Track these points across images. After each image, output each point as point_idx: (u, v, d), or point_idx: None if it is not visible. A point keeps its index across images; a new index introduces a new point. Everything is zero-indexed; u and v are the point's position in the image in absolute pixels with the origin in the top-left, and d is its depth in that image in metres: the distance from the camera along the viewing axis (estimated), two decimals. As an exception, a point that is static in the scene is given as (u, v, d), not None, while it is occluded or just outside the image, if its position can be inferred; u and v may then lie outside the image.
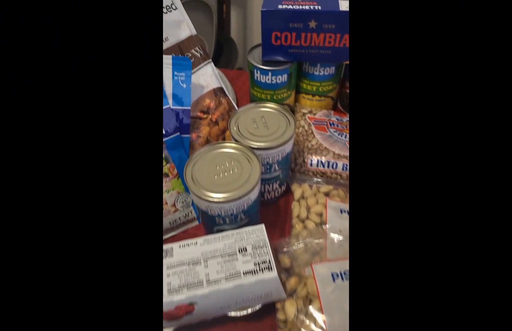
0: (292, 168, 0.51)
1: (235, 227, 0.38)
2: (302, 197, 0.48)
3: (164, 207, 0.42)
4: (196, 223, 0.46)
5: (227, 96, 0.50)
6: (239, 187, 0.35)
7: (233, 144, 0.40)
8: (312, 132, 0.53)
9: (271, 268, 0.32)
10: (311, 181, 0.50)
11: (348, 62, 0.53)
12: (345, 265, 0.37)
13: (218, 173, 0.37)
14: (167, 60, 0.41)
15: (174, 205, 0.43)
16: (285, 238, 0.41)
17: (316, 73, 0.56)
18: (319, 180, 0.50)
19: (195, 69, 0.48)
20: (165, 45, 0.44)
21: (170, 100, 0.42)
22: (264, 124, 0.43)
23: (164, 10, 0.45)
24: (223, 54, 0.80)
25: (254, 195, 0.36)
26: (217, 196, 0.34)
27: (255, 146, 0.40)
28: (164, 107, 0.41)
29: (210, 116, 0.47)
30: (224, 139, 0.48)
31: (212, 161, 0.38)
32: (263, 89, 0.54)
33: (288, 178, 0.49)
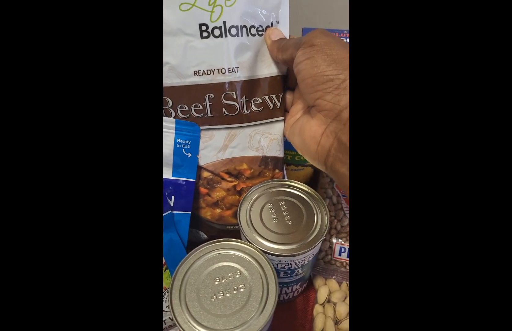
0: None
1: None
2: (328, 300, 0.37)
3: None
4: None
5: (283, 170, 0.38)
6: (246, 321, 0.24)
7: (241, 245, 0.29)
8: (341, 208, 0.42)
9: None
10: (340, 275, 0.39)
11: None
12: None
13: (217, 292, 0.26)
14: (169, 124, 0.31)
15: (158, 307, 0.32)
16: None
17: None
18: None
19: (256, 123, 0.34)
20: (230, 77, 0.31)
21: (170, 171, 0.32)
22: (286, 213, 0.32)
23: (253, 31, 0.31)
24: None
25: (266, 328, 0.26)
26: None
27: (273, 252, 0.29)
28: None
29: (237, 183, 0.36)
30: (235, 212, 0.37)
31: (210, 272, 0.27)
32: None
33: (311, 274, 0.38)
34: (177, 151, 0.32)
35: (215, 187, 0.36)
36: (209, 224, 0.38)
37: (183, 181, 0.33)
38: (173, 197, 0.33)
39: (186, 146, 0.32)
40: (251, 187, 0.35)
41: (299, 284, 0.35)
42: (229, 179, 0.35)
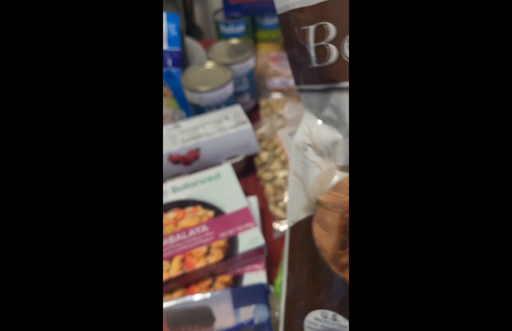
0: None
1: (220, 115, 0.55)
2: (267, 104, 0.66)
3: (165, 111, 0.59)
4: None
5: None
6: (219, 83, 0.52)
7: (214, 64, 0.57)
8: (268, 66, 0.71)
9: (246, 123, 0.49)
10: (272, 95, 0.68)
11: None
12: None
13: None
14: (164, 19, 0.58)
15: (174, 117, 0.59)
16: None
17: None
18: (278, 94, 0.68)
19: None
20: None
21: (166, 44, 0.59)
22: (235, 51, 0.61)
23: None
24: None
25: (229, 89, 0.54)
26: (204, 88, 0.51)
27: (229, 62, 0.57)
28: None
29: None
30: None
31: (202, 72, 0.55)
32: (226, 39, 0.72)
33: (257, 95, 0.67)
34: (169, 31, 0.59)
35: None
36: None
37: (176, 51, 0.60)
38: (170, 61, 0.60)
39: (173, 28, 0.59)
40: None
41: (248, 96, 0.63)
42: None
